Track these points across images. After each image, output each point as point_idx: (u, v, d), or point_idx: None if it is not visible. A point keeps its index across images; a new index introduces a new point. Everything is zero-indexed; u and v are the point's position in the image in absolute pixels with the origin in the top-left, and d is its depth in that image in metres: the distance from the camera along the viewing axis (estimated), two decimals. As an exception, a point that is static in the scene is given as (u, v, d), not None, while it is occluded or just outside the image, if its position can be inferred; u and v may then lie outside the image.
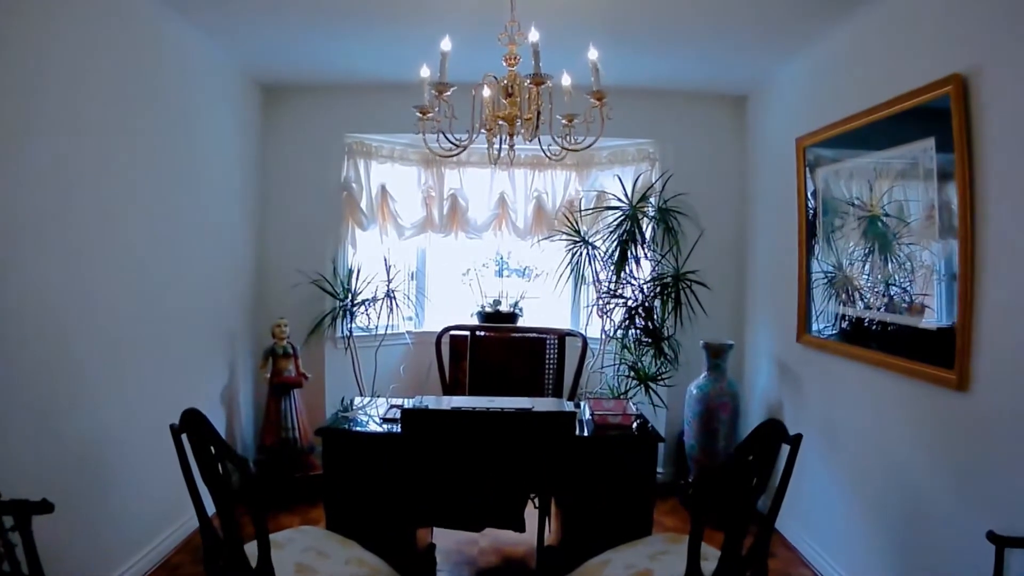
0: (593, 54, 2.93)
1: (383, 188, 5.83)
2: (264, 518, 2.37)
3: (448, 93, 2.88)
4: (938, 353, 3.05)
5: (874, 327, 3.60)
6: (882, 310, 3.54)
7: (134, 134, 3.68)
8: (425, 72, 2.98)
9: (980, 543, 2.45)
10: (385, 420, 3.64)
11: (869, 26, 3.70)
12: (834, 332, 4.03)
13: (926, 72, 3.08)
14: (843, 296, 3.94)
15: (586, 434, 3.55)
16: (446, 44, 2.85)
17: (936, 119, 3.00)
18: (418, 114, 2.99)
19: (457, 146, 2.97)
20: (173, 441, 2.39)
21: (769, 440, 2.42)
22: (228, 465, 2.37)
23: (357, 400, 4.12)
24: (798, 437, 2.48)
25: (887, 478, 3.49)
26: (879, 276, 3.58)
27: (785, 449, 2.46)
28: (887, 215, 3.50)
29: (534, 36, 2.75)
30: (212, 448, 2.34)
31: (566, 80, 3.08)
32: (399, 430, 3.38)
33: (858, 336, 3.76)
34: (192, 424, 2.35)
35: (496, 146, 3.03)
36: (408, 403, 3.50)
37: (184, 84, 4.26)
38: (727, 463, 2.55)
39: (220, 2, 3.82)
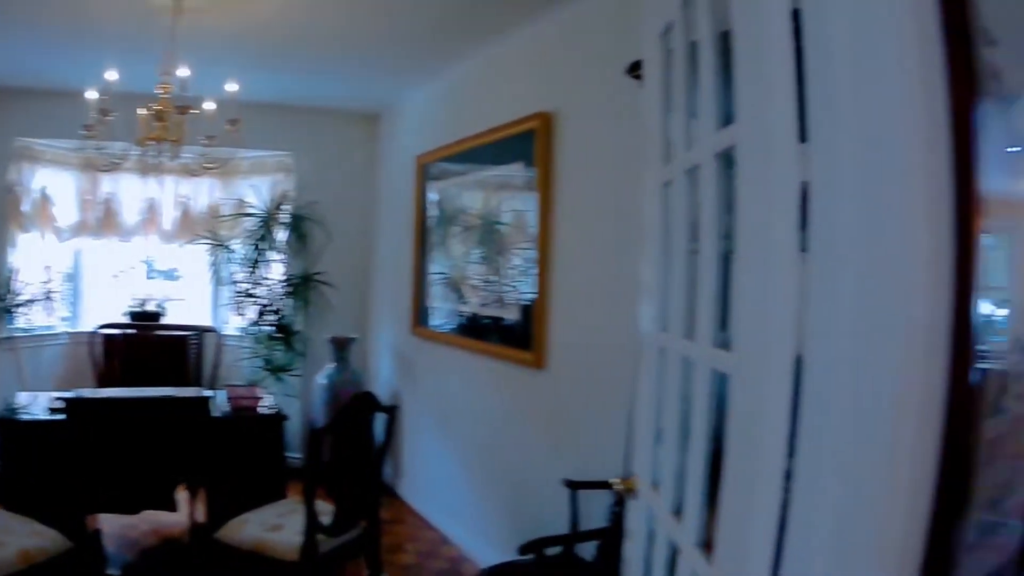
0: (232, 87, 3.76)
1: (44, 192, 5.83)
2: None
3: (110, 117, 3.47)
4: (524, 339, 3.97)
5: (484, 321, 4.50)
6: (489, 305, 4.45)
7: None
8: (92, 94, 3.51)
9: (561, 488, 3.10)
10: (52, 410, 3.79)
11: (479, 67, 4.64)
12: (453, 326, 4.90)
13: (522, 108, 4.02)
14: (458, 294, 4.83)
15: (221, 416, 4.06)
16: (111, 75, 3.46)
17: (528, 145, 3.93)
18: (83, 132, 3.53)
19: (115, 163, 3.73)
20: None
21: (361, 411, 3.18)
22: None
23: (23, 397, 4.15)
24: (393, 408, 3.30)
25: (489, 445, 4.40)
26: (487, 276, 4.49)
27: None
28: (494, 223, 4.42)
29: (183, 72, 3.51)
30: None
31: (210, 106, 3.81)
32: (65, 418, 3.66)
33: (472, 329, 4.64)
34: None
35: (148, 159, 3.80)
36: (69, 395, 3.79)
37: None
38: (315, 432, 3.38)
39: None
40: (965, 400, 1.09)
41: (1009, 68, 1.29)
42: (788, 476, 1.14)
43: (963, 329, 1.06)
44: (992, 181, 1.31)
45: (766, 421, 1.14)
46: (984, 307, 1.47)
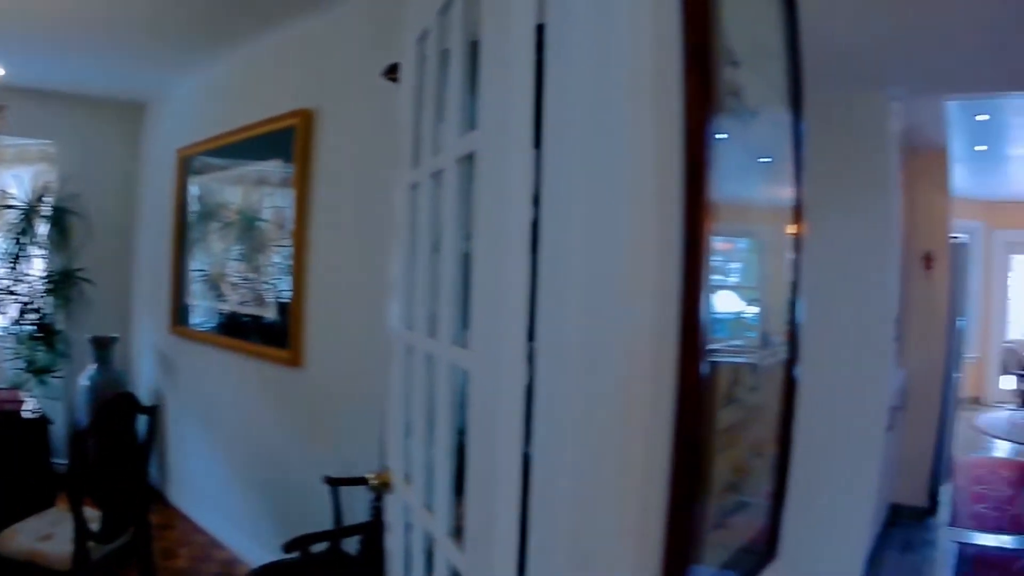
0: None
1: None
2: None
3: None
4: (281, 338, 3.99)
5: (244, 319, 4.46)
6: (248, 304, 4.41)
7: None
8: None
9: (322, 484, 3.16)
10: None
11: (244, 61, 4.58)
12: (212, 325, 4.79)
13: (284, 104, 4.03)
14: (217, 292, 4.73)
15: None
16: None
17: (288, 141, 3.95)
18: None
19: None
20: None
21: (121, 413, 3.16)
22: None
23: None
24: (154, 408, 3.26)
25: (252, 444, 4.37)
26: (246, 274, 4.44)
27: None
28: (253, 219, 4.38)
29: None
30: None
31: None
32: None
33: (232, 328, 4.57)
34: None
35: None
36: None
37: None
38: (76, 436, 3.30)
39: None
40: (696, 391, 1.21)
41: (750, 86, 1.47)
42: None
43: (692, 326, 1.19)
44: (739, 188, 1.51)
45: (503, 415, 1.21)
46: (736, 305, 1.69)
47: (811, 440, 3.95)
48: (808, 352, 3.99)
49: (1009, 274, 10.76)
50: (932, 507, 5.60)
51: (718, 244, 1.63)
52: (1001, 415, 9.49)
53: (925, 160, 5.48)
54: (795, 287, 1.76)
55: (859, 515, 3.97)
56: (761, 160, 1.69)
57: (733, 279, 1.66)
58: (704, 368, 1.22)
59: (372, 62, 2.99)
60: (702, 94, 1.19)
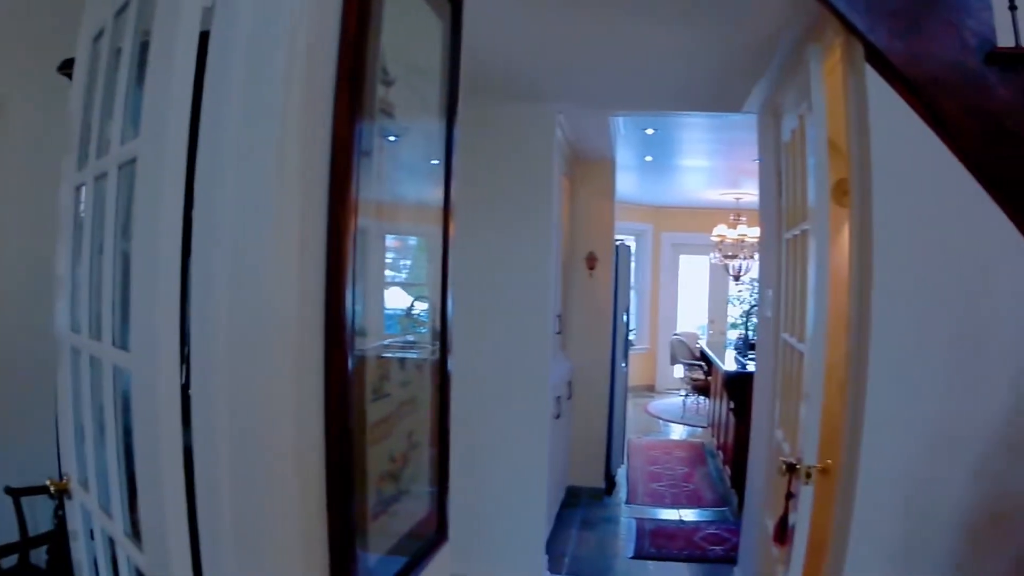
0: None
1: None
2: None
3: None
4: None
5: None
6: None
7: None
8: None
9: (4, 496, 2.93)
10: None
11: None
12: None
13: None
14: None
15: None
16: None
17: None
18: None
19: None
20: None
21: None
22: None
23: None
24: None
25: None
26: None
27: None
28: None
29: None
30: None
31: None
32: None
33: None
34: None
35: None
36: None
37: None
38: None
39: None
40: (343, 387, 1.32)
41: (404, 102, 1.60)
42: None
43: (338, 325, 1.30)
44: (402, 191, 1.60)
45: (162, 416, 1.24)
46: (406, 301, 1.78)
47: (486, 429, 4.29)
48: (481, 346, 4.29)
49: (678, 273, 12.17)
50: (609, 488, 6.22)
51: (392, 242, 1.76)
52: (673, 401, 10.70)
53: (592, 168, 6.11)
54: (445, 284, 1.90)
55: (535, 497, 4.34)
56: (421, 165, 1.82)
57: (404, 276, 1.78)
58: (351, 365, 1.33)
59: (52, 54, 2.76)
60: (351, 110, 1.33)
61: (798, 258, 2.94)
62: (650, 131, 6.17)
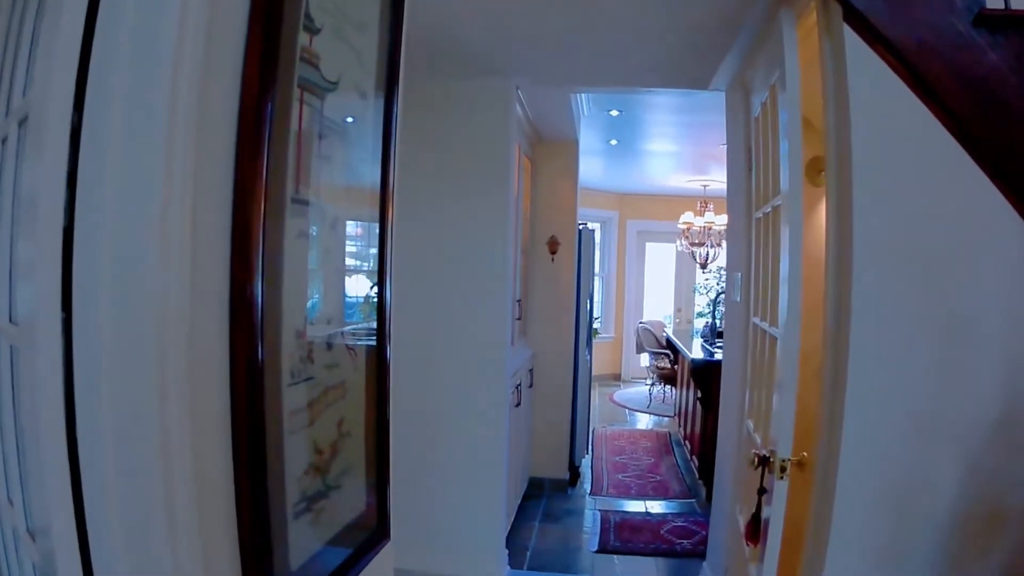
0: None
1: None
2: None
3: None
4: None
5: None
6: None
7: None
8: None
9: None
10: None
11: None
12: None
13: None
14: None
15: None
16: None
17: None
18: None
19: None
20: None
21: None
22: None
23: None
24: None
25: None
26: None
27: None
28: None
29: None
30: None
31: None
32: None
33: None
34: None
35: None
36: None
37: None
38: None
39: None
40: (251, 376, 1.17)
41: (329, 56, 1.42)
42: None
43: (245, 309, 1.15)
44: (332, 156, 1.42)
45: (43, 403, 1.08)
46: (339, 285, 1.60)
47: (442, 418, 4.13)
48: (437, 332, 4.11)
49: (644, 261, 12.08)
50: (573, 479, 6.08)
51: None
52: (639, 390, 10.62)
53: (555, 149, 5.93)
54: (382, 268, 1.74)
55: (494, 490, 4.18)
56: (355, 132, 1.64)
57: (333, 258, 1.61)
58: (261, 350, 1.17)
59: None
60: (264, 57, 1.16)
61: (770, 237, 2.80)
62: (615, 112, 6.02)
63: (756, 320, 3.00)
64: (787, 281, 2.23)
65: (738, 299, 3.49)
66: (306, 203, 1.36)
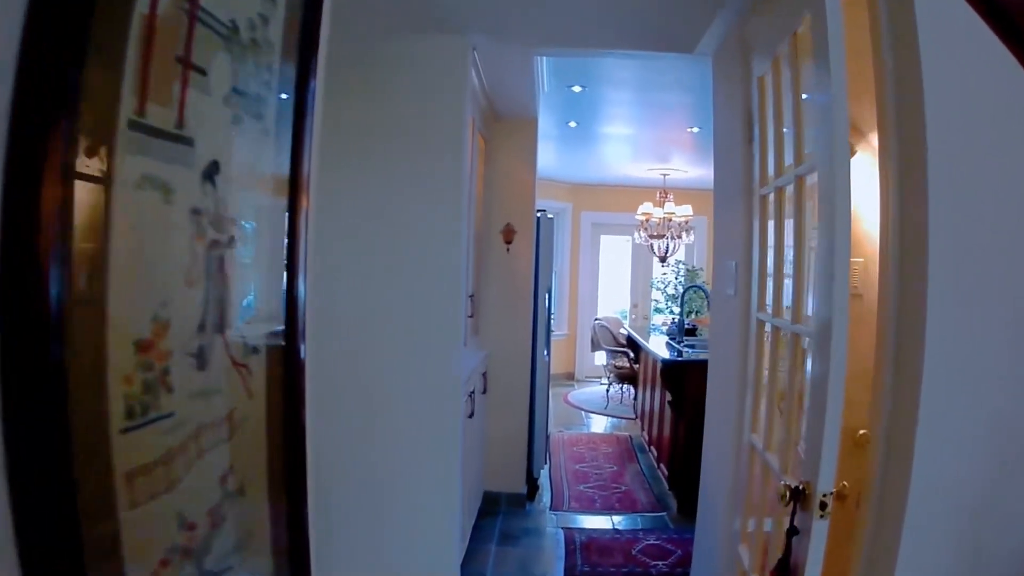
0: None
1: None
2: None
3: None
4: None
5: None
6: None
7: None
8: None
9: None
10: None
11: None
12: None
13: None
14: None
15: None
16: None
17: None
18: None
19: None
20: None
21: None
22: None
23: None
24: None
25: None
26: None
27: None
28: None
29: None
30: None
31: None
32: None
33: None
34: None
35: None
36: None
37: None
38: None
39: None
40: (50, 412, 0.69)
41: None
42: None
43: (26, 310, 0.66)
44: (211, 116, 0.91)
45: None
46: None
47: (386, 437, 3.58)
48: (379, 336, 3.56)
49: (599, 255, 11.65)
50: (531, 492, 5.59)
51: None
52: (595, 390, 10.18)
53: (512, 127, 5.40)
54: (292, 259, 1.24)
55: (447, 513, 3.65)
56: (255, 90, 1.16)
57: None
58: (60, 378, 0.67)
59: None
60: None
61: (782, 219, 2.35)
62: (577, 88, 5.53)
63: (761, 316, 2.55)
64: (834, 274, 1.75)
65: (732, 292, 3.03)
66: (162, 136, 0.84)
